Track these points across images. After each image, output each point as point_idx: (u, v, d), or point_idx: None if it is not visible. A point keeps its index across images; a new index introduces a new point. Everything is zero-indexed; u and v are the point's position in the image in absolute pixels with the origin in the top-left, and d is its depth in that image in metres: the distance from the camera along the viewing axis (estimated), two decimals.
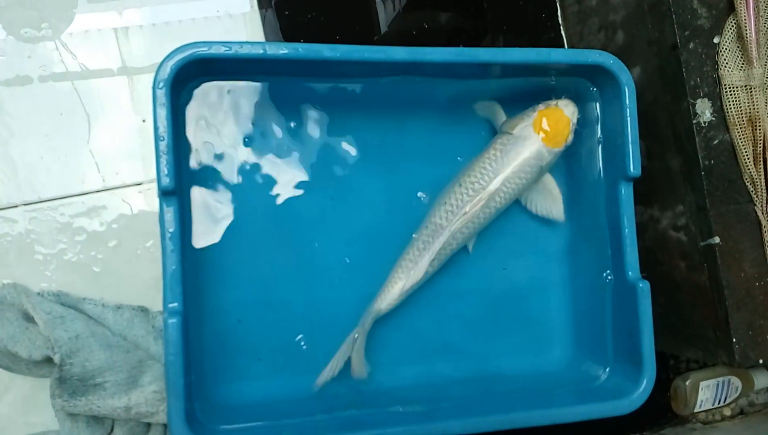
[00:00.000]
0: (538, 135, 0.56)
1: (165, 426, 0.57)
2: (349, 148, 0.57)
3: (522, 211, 0.60)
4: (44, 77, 0.60)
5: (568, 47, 0.72)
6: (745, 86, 0.56)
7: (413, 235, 0.56)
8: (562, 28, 0.72)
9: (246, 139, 0.55)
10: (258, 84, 0.55)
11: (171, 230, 0.48)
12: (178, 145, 0.49)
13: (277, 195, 0.56)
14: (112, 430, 0.57)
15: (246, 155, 0.55)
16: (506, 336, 0.60)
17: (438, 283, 0.58)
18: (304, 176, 0.56)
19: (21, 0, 0.59)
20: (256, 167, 0.55)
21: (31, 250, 0.58)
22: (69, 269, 0.59)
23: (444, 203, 0.55)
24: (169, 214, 0.48)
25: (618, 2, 0.63)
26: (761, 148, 0.56)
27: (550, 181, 0.59)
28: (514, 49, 0.54)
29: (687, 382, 0.70)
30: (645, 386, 0.54)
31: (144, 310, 0.59)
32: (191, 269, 0.50)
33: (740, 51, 0.56)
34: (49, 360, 0.54)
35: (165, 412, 0.55)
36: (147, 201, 0.61)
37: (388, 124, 0.58)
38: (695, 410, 0.71)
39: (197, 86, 0.53)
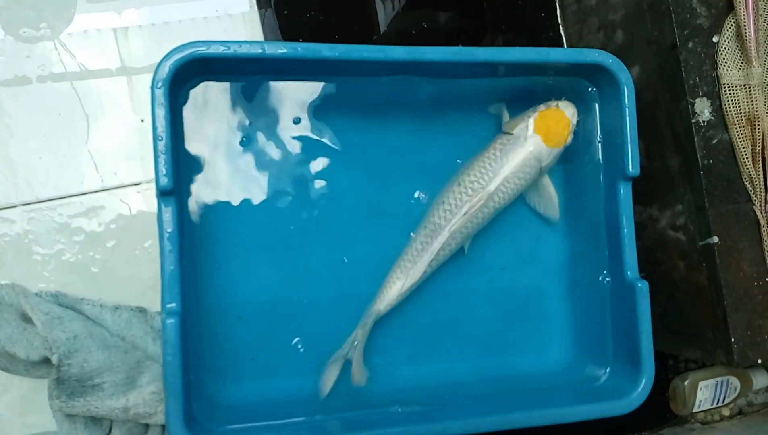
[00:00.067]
0: (537, 135, 0.56)
1: (163, 427, 0.57)
2: (349, 148, 0.57)
3: (521, 212, 0.60)
4: (43, 77, 0.59)
5: (568, 47, 0.72)
6: (744, 85, 0.56)
7: (411, 235, 0.56)
8: (561, 27, 0.72)
9: (244, 139, 0.55)
10: (257, 84, 0.55)
11: (169, 230, 0.47)
12: (176, 145, 0.49)
13: (276, 195, 0.56)
14: (110, 430, 0.57)
15: (245, 155, 0.55)
16: (505, 336, 0.60)
17: (437, 284, 0.58)
18: (303, 176, 0.56)
19: (20, 0, 0.59)
20: (254, 167, 0.55)
21: (29, 251, 0.58)
22: (67, 269, 0.59)
23: (443, 203, 0.55)
24: (168, 214, 0.48)
25: (617, 1, 0.63)
26: (760, 148, 0.56)
27: (546, 181, 0.59)
28: (514, 49, 0.54)
29: (686, 382, 0.70)
30: (644, 386, 0.54)
31: (142, 311, 0.59)
32: (189, 269, 0.50)
33: (739, 50, 0.56)
34: (47, 361, 0.54)
35: (163, 412, 0.54)
36: (145, 201, 0.61)
37: (387, 123, 0.58)
38: (694, 410, 0.71)
39: (196, 86, 0.53)
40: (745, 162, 0.56)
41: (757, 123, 0.56)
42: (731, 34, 0.56)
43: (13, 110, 0.59)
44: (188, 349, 0.48)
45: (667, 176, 0.60)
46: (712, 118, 0.56)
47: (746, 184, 0.57)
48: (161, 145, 0.47)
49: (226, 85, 0.54)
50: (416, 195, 0.58)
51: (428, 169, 0.58)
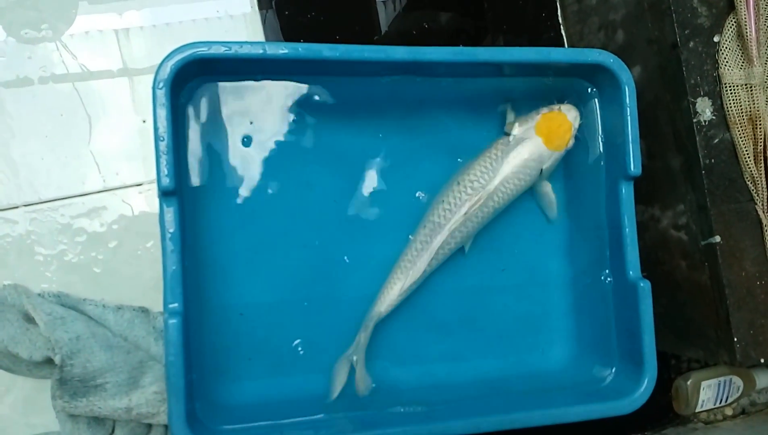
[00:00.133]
0: (539, 137, 0.56)
1: (166, 427, 0.57)
2: (349, 148, 0.57)
3: (522, 212, 0.60)
4: (45, 78, 0.60)
5: (568, 47, 0.72)
6: (746, 85, 0.56)
7: (410, 238, 0.56)
8: (562, 27, 0.72)
9: (246, 139, 0.55)
10: (258, 84, 0.55)
11: (171, 231, 0.48)
12: (178, 145, 0.49)
13: (277, 195, 0.56)
14: (113, 431, 0.57)
15: (246, 155, 0.55)
16: (507, 336, 0.60)
17: (438, 284, 0.58)
18: (303, 176, 0.56)
19: (21, 1, 0.59)
20: (255, 167, 0.55)
21: (31, 251, 0.58)
22: (69, 270, 0.59)
23: (442, 202, 0.55)
24: (169, 214, 0.48)
25: (618, 1, 0.63)
26: (762, 147, 0.56)
27: (547, 187, 0.59)
28: (514, 49, 0.54)
29: (688, 382, 0.70)
30: (646, 386, 0.54)
31: (145, 311, 0.59)
32: (191, 270, 0.50)
33: (740, 49, 0.56)
34: (49, 361, 0.54)
35: (166, 412, 0.55)
36: (147, 201, 0.61)
37: (387, 123, 0.58)
38: (697, 410, 0.70)
39: (197, 86, 0.53)
40: (746, 161, 0.56)
41: (758, 122, 0.56)
42: (732, 34, 0.56)
43: (15, 111, 0.59)
44: (190, 349, 0.48)
45: (669, 176, 0.60)
46: (714, 117, 0.56)
47: (748, 183, 0.57)
48: (163, 145, 0.47)
49: (228, 85, 0.54)
50: (417, 195, 0.58)
51: (429, 169, 0.58)
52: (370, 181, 0.57)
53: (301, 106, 0.56)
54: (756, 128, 0.56)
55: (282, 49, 0.49)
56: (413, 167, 0.58)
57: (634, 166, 0.54)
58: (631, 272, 0.55)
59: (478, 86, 0.59)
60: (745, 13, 0.55)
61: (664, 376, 0.72)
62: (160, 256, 0.48)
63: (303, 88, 0.56)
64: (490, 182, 0.55)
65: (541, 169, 0.57)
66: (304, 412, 0.52)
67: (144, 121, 0.61)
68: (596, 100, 0.59)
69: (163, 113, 0.47)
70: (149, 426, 0.58)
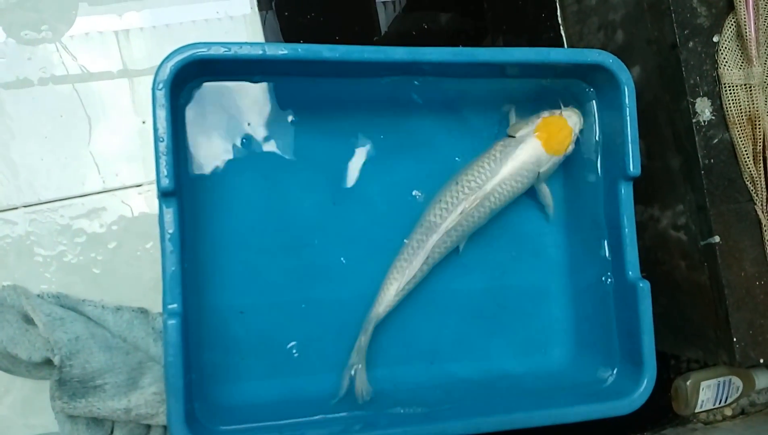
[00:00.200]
0: (538, 141, 0.56)
1: (165, 427, 0.57)
2: (348, 149, 0.57)
3: (521, 212, 0.60)
4: (44, 79, 0.60)
5: (568, 47, 0.72)
6: (745, 85, 0.56)
7: (405, 242, 0.56)
8: (561, 27, 0.72)
9: (245, 140, 0.55)
10: (257, 85, 0.55)
11: (170, 231, 0.48)
12: (177, 146, 0.49)
13: (276, 195, 0.56)
14: (112, 431, 0.57)
15: (245, 156, 0.55)
16: (507, 336, 0.60)
17: (438, 284, 0.58)
18: (302, 177, 0.56)
19: (21, 2, 0.59)
20: (255, 168, 0.55)
21: (30, 252, 0.58)
22: (69, 271, 0.59)
23: (439, 201, 0.55)
24: (169, 215, 0.48)
25: (617, 1, 0.63)
26: (761, 147, 0.56)
27: (545, 190, 0.59)
28: (514, 49, 0.54)
29: (688, 382, 0.70)
30: (645, 386, 0.54)
31: (144, 312, 0.59)
32: (191, 270, 0.50)
33: (740, 50, 0.56)
34: (48, 362, 0.54)
35: (165, 413, 0.55)
36: (147, 202, 0.61)
37: (387, 124, 0.58)
38: (696, 410, 0.70)
39: (197, 87, 0.53)
40: (746, 161, 0.56)
41: (757, 122, 0.56)
42: (731, 34, 0.56)
43: (14, 112, 0.59)
44: (189, 349, 0.48)
45: (668, 176, 0.60)
46: (713, 117, 0.56)
47: (747, 183, 0.57)
48: (162, 146, 0.47)
49: (227, 86, 0.54)
50: (413, 193, 0.58)
51: (427, 171, 0.58)
52: (369, 181, 0.57)
53: (300, 107, 0.56)
54: (755, 128, 0.56)
55: (282, 50, 0.49)
56: (412, 168, 0.58)
57: (634, 166, 0.54)
58: (630, 272, 0.55)
59: (478, 86, 0.59)
60: (745, 13, 0.55)
61: (663, 376, 0.72)
62: (159, 256, 0.48)
63: (302, 89, 0.56)
64: (487, 183, 0.55)
65: (539, 172, 0.57)
66: (303, 413, 0.52)
67: (144, 122, 0.61)
68: (595, 100, 0.59)
69: (162, 114, 0.47)
70: (148, 427, 0.58)
